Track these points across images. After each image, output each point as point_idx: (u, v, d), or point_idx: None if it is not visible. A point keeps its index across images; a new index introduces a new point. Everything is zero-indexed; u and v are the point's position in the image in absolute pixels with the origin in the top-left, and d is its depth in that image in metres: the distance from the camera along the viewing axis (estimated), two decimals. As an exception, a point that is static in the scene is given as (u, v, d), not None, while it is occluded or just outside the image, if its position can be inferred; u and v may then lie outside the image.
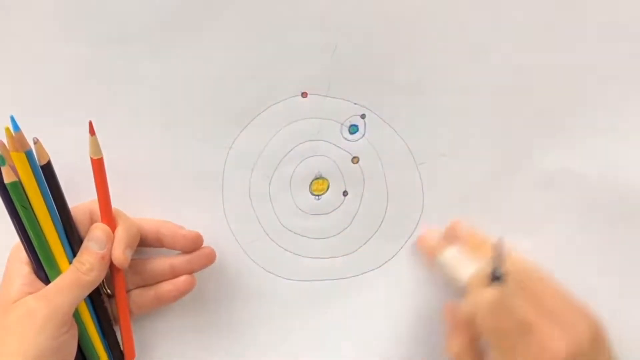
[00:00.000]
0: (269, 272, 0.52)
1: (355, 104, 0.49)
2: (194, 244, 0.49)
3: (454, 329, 0.48)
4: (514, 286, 0.44)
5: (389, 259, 0.52)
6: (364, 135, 0.50)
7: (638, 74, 0.49)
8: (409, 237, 0.51)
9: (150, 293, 0.49)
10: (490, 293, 0.44)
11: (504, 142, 0.49)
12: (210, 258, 0.50)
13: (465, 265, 0.47)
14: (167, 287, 0.49)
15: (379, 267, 0.52)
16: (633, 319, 0.48)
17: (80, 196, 0.48)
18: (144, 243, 0.49)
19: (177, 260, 0.49)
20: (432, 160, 0.50)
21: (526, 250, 0.50)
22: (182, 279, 0.49)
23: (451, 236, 0.50)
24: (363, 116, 0.50)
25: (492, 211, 0.51)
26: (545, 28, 0.48)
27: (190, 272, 0.49)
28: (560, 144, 0.50)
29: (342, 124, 0.50)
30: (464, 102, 0.49)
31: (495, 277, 0.44)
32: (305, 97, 0.49)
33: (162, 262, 0.49)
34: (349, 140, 0.50)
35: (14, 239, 0.46)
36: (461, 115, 0.49)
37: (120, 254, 0.46)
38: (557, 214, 0.50)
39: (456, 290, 0.47)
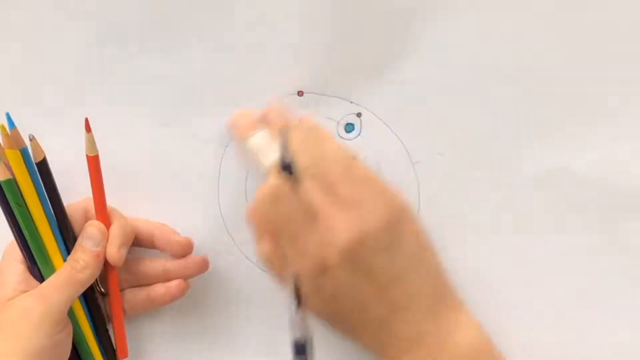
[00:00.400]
0: (265, 271, 0.51)
1: (351, 102, 0.49)
2: (183, 250, 0.49)
3: (256, 230, 0.44)
4: (306, 173, 0.41)
5: (386, 259, 0.51)
6: (360, 133, 0.50)
7: (635, 74, 0.48)
8: (406, 237, 0.51)
9: (142, 294, 0.49)
10: (268, 183, 0.41)
11: (501, 141, 0.49)
12: (203, 266, 0.49)
13: (270, 152, 0.43)
14: (159, 289, 0.49)
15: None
16: (629, 319, 0.48)
17: (75, 194, 0.48)
18: (137, 243, 0.49)
19: (171, 264, 0.49)
20: (428, 159, 0.50)
21: (523, 249, 0.50)
22: (175, 283, 0.49)
23: (265, 119, 0.46)
24: (359, 115, 0.49)
25: (488, 210, 0.50)
26: (544, 27, 0.48)
27: (183, 278, 0.49)
28: (558, 143, 0.49)
29: (338, 123, 0.50)
30: (461, 101, 0.49)
31: (284, 166, 0.41)
32: (302, 95, 0.49)
33: (155, 264, 0.49)
34: (345, 139, 0.50)
35: (9, 236, 0.46)
36: (457, 114, 0.49)
37: (115, 252, 0.46)
38: (554, 213, 0.50)
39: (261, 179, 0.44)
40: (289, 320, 0.43)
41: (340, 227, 0.40)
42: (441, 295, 0.42)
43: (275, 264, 0.43)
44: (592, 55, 0.48)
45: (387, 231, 0.40)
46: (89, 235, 0.46)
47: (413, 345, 0.41)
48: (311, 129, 0.44)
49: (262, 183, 0.42)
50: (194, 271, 0.49)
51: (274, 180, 0.41)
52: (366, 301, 0.41)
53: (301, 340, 0.42)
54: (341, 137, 0.50)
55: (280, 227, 0.41)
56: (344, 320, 0.42)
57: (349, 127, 0.50)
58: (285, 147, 0.42)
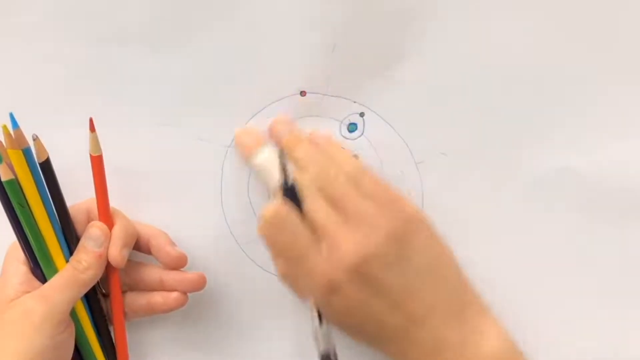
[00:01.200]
0: (267, 271, 0.51)
1: (354, 102, 0.49)
2: (174, 263, 0.48)
3: (270, 251, 0.45)
4: (310, 190, 0.42)
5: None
6: (362, 133, 0.50)
7: (635, 74, 0.49)
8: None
9: (143, 299, 0.49)
10: (270, 206, 0.42)
11: (503, 141, 0.49)
12: (199, 284, 0.49)
13: (276, 171, 0.44)
14: (158, 298, 0.48)
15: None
16: (631, 319, 0.48)
17: (77, 195, 0.48)
18: (136, 247, 0.49)
19: (167, 276, 0.48)
20: (431, 159, 0.50)
21: (524, 248, 0.50)
22: (174, 295, 0.48)
23: (271, 134, 0.47)
24: (362, 114, 0.49)
25: (492, 210, 0.50)
26: (545, 27, 0.48)
27: (179, 291, 0.48)
28: (559, 143, 0.49)
29: (341, 122, 0.50)
30: (464, 101, 0.49)
31: (287, 187, 0.42)
32: (304, 95, 0.49)
33: (153, 272, 0.49)
34: (348, 139, 0.50)
35: (11, 237, 0.46)
36: (460, 115, 0.49)
37: (117, 254, 0.46)
38: (556, 213, 0.50)
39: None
40: (312, 333, 0.43)
41: (345, 245, 0.40)
42: (463, 302, 0.42)
43: (292, 282, 0.44)
44: (593, 55, 0.49)
45: (393, 245, 0.40)
46: (92, 236, 0.46)
47: (435, 353, 0.41)
48: (321, 142, 0.45)
49: (268, 203, 0.43)
50: (188, 287, 0.49)
51: (275, 203, 0.42)
52: (380, 315, 0.41)
53: (326, 352, 0.43)
54: (344, 137, 0.50)
55: (286, 249, 0.42)
56: (363, 332, 0.43)
57: (352, 127, 0.50)
58: (284, 169, 0.42)
